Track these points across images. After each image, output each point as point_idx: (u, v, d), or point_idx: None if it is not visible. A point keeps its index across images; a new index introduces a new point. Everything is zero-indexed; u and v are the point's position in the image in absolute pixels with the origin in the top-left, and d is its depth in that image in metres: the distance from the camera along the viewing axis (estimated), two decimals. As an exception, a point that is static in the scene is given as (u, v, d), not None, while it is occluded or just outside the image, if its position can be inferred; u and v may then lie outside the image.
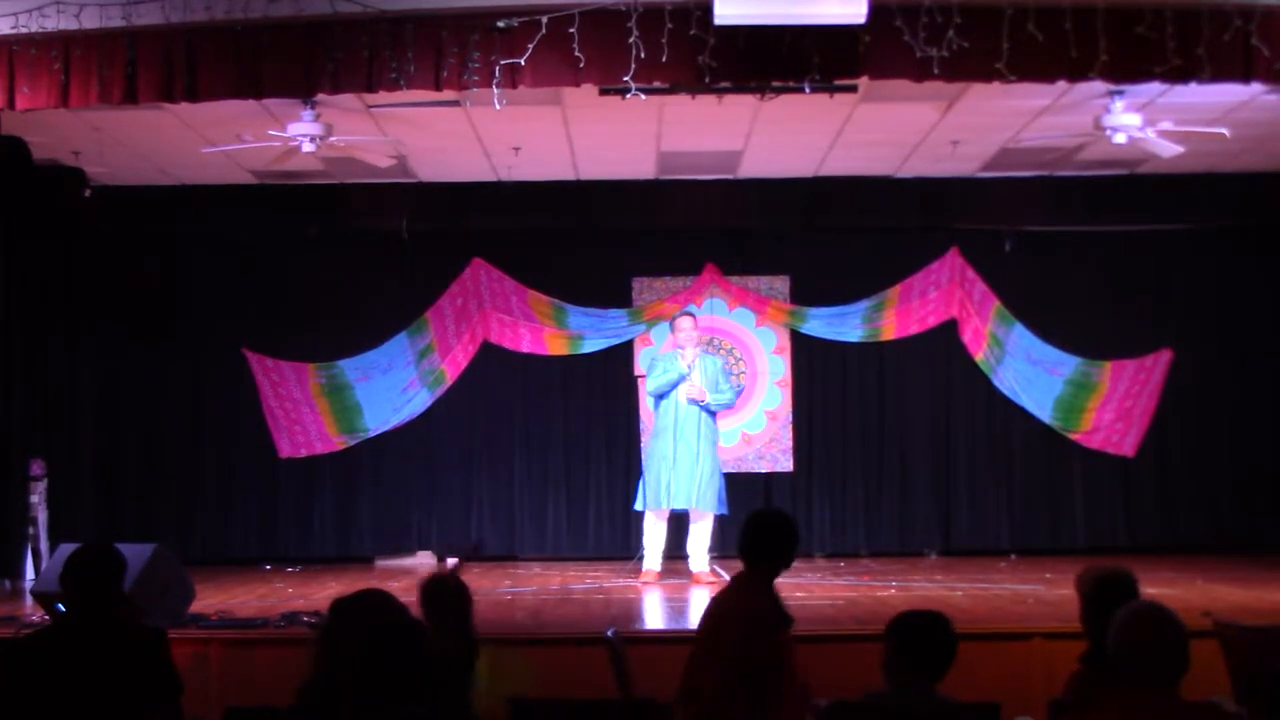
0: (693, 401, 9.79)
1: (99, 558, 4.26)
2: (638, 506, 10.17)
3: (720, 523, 9.99)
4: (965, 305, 12.06)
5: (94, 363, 11.80)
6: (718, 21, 6.66)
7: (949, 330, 12.12)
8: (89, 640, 4.10)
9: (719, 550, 10.04)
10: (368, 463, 12.06)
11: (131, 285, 11.84)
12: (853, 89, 8.58)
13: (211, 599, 8.45)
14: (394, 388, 11.97)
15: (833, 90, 8.30)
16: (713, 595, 5.03)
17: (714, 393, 9.89)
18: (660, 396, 9.94)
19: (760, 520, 5.06)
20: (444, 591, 4.85)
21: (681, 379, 9.78)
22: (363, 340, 11.99)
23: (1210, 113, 9.26)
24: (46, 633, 4.43)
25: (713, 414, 9.98)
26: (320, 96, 8.08)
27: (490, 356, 12.11)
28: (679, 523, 10.11)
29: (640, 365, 11.76)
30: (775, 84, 7.86)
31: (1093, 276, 12.14)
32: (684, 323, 10.13)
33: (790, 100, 8.59)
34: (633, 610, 8.71)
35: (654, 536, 9.96)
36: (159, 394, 11.93)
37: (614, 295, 12.09)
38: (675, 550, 10.12)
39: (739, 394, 11.36)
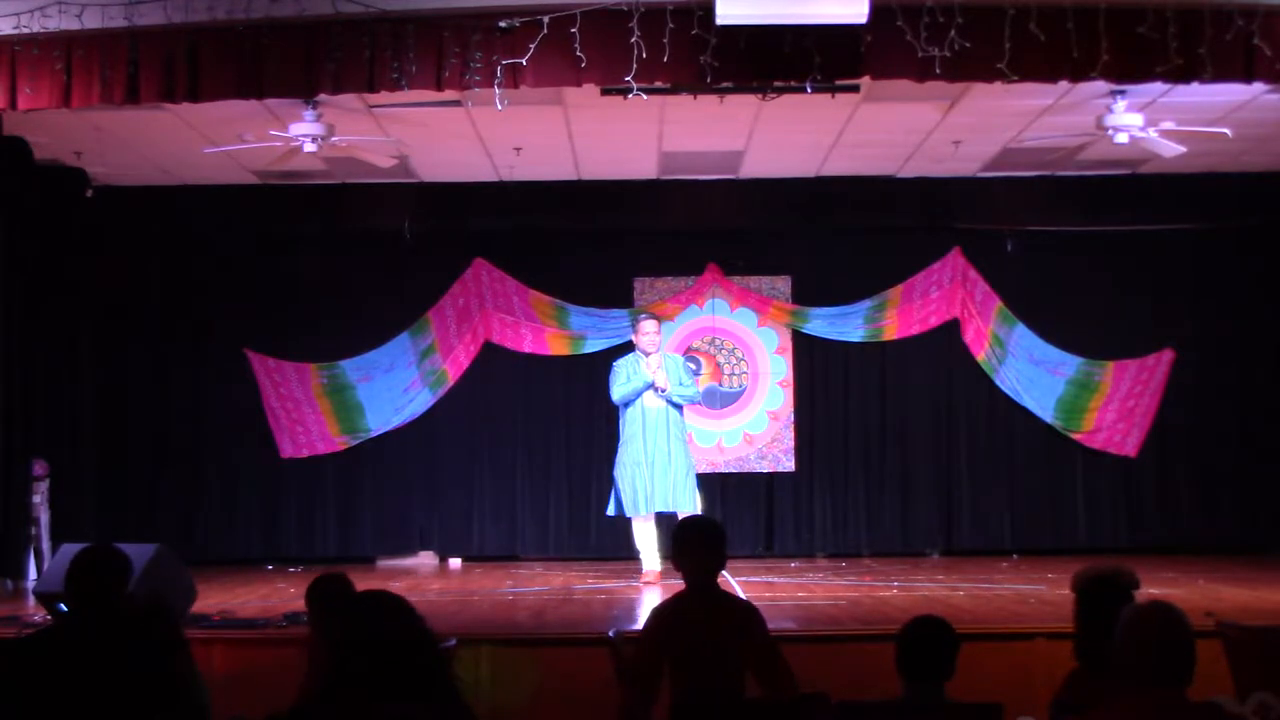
0: (659, 392, 9.68)
1: (104, 558, 4.25)
2: (610, 511, 10.11)
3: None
4: (967, 305, 12.05)
5: (96, 362, 11.80)
6: (719, 21, 6.66)
7: (951, 330, 12.12)
8: (92, 640, 4.09)
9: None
10: (369, 463, 12.05)
11: (133, 285, 11.84)
12: (854, 89, 8.58)
13: (214, 599, 8.44)
14: (396, 388, 11.96)
15: (834, 90, 8.30)
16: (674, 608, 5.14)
17: (677, 386, 9.83)
18: (626, 404, 9.82)
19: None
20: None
21: (648, 386, 9.67)
22: (364, 340, 11.98)
23: (1212, 112, 9.25)
24: (48, 633, 4.42)
25: (679, 409, 9.91)
26: (322, 96, 8.08)
27: (492, 357, 12.10)
28: (669, 522, 10.05)
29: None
30: (777, 84, 7.87)
31: (1095, 276, 12.12)
32: (647, 325, 9.89)
33: (792, 100, 8.59)
34: (635, 610, 8.70)
35: (645, 538, 9.92)
36: (161, 394, 11.93)
37: (616, 295, 12.08)
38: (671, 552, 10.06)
39: (740, 395, 11.23)
